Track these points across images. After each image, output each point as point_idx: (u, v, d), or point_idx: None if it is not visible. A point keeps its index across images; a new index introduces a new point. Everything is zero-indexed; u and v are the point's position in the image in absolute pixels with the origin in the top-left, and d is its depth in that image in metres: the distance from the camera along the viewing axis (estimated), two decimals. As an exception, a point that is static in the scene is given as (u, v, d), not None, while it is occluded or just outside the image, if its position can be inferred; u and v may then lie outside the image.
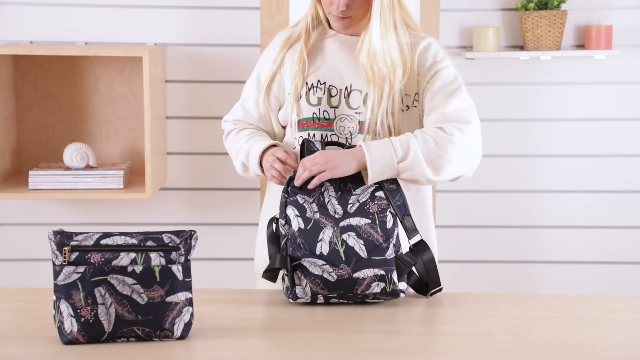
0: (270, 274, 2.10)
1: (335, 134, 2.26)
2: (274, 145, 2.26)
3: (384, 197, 2.11)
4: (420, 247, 2.15)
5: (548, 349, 1.81)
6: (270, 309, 2.06)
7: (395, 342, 1.86)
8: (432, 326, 1.99)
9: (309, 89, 2.28)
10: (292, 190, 2.13)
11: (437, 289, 2.14)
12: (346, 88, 2.27)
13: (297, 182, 2.13)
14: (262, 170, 2.26)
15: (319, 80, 2.28)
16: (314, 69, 2.29)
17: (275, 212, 2.24)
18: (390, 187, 2.15)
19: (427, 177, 2.17)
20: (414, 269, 2.14)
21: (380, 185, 2.14)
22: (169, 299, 1.81)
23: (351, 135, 2.26)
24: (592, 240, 3.73)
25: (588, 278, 3.74)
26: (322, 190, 2.12)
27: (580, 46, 3.63)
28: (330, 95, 2.27)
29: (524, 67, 3.64)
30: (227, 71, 3.56)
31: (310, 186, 2.12)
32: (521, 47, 3.63)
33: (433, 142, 2.16)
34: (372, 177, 2.13)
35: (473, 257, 3.74)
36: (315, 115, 2.27)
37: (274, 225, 2.14)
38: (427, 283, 2.14)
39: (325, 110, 2.27)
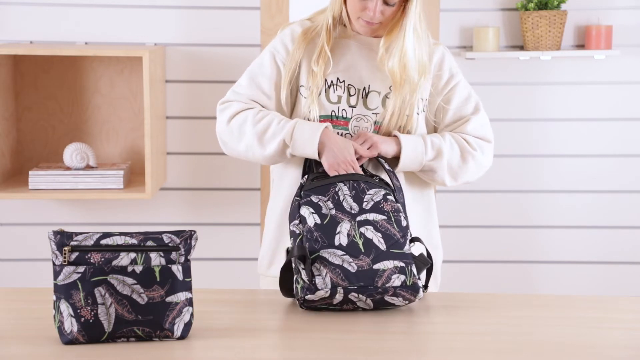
0: (285, 279, 2.05)
1: (350, 133, 2.27)
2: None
3: (395, 201, 2.13)
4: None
5: (548, 349, 1.81)
6: (271, 309, 2.06)
7: (395, 342, 1.86)
8: (431, 326, 1.98)
9: (329, 87, 2.27)
10: (305, 193, 2.13)
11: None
12: (364, 88, 2.28)
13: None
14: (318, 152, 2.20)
15: (338, 79, 2.28)
16: (334, 67, 2.28)
17: (283, 206, 2.28)
18: (396, 183, 2.20)
19: (442, 181, 2.31)
20: None
21: (390, 191, 2.16)
22: (169, 299, 1.81)
23: None
24: (592, 240, 3.73)
25: (588, 278, 3.74)
26: (337, 190, 2.12)
27: (580, 46, 3.63)
28: (349, 95, 2.27)
29: (524, 67, 3.64)
30: (227, 71, 3.56)
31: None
32: (521, 47, 3.63)
33: (459, 152, 2.30)
34: (400, 167, 2.26)
35: (473, 257, 3.74)
36: (333, 114, 2.27)
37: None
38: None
39: (343, 109, 2.27)
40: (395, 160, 2.27)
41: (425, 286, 2.15)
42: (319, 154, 2.20)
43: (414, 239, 2.14)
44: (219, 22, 3.55)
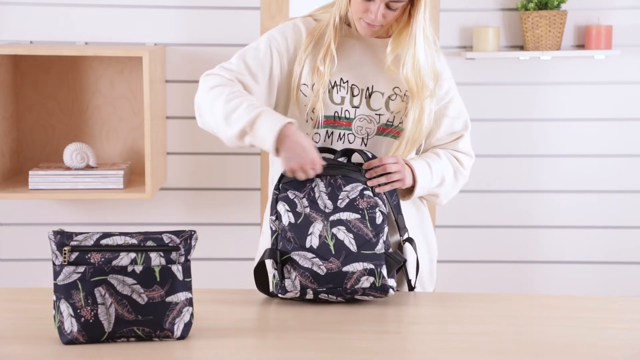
0: (260, 277, 2.11)
1: (353, 134, 2.26)
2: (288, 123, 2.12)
3: (372, 196, 2.12)
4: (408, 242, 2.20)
5: (548, 349, 1.81)
6: (270, 309, 2.06)
7: (394, 342, 1.86)
8: (430, 326, 1.98)
9: (332, 87, 2.26)
10: (283, 187, 2.13)
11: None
12: (367, 89, 2.27)
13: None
14: (275, 148, 2.09)
15: (342, 79, 2.26)
16: (339, 66, 2.26)
17: None
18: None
19: (440, 203, 2.36)
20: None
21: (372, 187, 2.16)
22: (169, 299, 1.81)
23: (368, 135, 2.26)
24: (592, 240, 3.73)
25: (588, 278, 3.74)
26: (313, 186, 2.12)
27: (580, 46, 3.63)
28: (352, 95, 2.27)
29: (524, 67, 3.64)
30: (227, 71, 3.56)
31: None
32: (521, 47, 3.63)
33: (453, 174, 2.32)
34: (409, 199, 2.28)
35: (472, 257, 3.74)
36: (336, 114, 2.26)
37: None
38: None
39: (346, 110, 2.26)
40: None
41: (411, 286, 2.18)
42: (277, 151, 2.10)
43: (408, 240, 2.15)
44: (219, 22, 3.55)
